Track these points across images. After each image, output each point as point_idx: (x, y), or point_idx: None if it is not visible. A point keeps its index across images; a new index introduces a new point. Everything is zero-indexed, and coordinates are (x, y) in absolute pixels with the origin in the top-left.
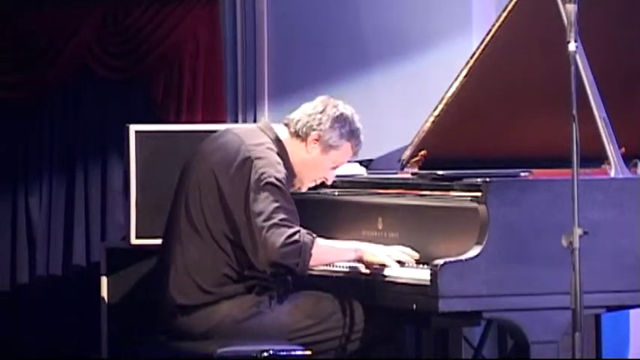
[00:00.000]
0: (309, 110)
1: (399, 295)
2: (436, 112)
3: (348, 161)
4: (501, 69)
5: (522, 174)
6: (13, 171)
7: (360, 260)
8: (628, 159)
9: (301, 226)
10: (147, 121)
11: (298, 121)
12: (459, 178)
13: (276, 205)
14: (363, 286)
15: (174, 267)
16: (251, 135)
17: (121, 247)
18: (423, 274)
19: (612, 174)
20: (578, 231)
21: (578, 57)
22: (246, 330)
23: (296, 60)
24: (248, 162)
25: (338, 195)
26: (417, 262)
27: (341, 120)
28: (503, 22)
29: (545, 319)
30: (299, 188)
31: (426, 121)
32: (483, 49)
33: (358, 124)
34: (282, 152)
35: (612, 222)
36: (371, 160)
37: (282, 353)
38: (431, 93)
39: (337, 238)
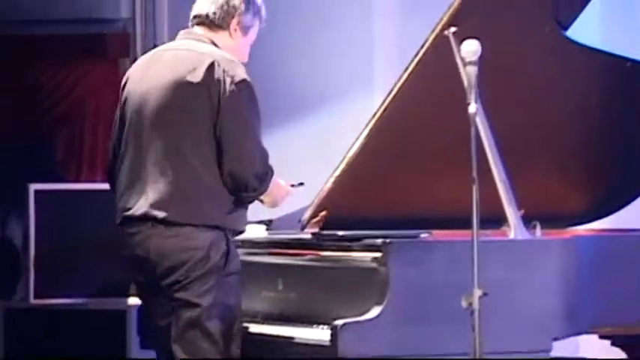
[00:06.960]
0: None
1: (301, 355)
2: (337, 172)
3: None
4: (402, 129)
5: (422, 235)
6: None
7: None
8: (528, 220)
9: None
10: (49, 179)
11: (213, 13)
12: (360, 238)
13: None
14: (268, 345)
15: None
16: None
17: (21, 307)
18: (323, 335)
19: (512, 235)
20: (478, 292)
21: (478, 119)
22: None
23: None
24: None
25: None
26: (318, 322)
27: (248, 0)
28: (404, 81)
29: None
30: None
31: (327, 181)
32: (385, 109)
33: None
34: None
35: (512, 283)
36: (271, 221)
37: None
38: (334, 153)
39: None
